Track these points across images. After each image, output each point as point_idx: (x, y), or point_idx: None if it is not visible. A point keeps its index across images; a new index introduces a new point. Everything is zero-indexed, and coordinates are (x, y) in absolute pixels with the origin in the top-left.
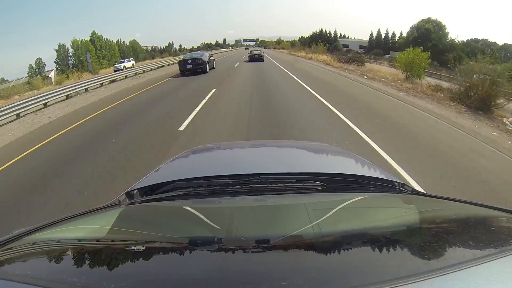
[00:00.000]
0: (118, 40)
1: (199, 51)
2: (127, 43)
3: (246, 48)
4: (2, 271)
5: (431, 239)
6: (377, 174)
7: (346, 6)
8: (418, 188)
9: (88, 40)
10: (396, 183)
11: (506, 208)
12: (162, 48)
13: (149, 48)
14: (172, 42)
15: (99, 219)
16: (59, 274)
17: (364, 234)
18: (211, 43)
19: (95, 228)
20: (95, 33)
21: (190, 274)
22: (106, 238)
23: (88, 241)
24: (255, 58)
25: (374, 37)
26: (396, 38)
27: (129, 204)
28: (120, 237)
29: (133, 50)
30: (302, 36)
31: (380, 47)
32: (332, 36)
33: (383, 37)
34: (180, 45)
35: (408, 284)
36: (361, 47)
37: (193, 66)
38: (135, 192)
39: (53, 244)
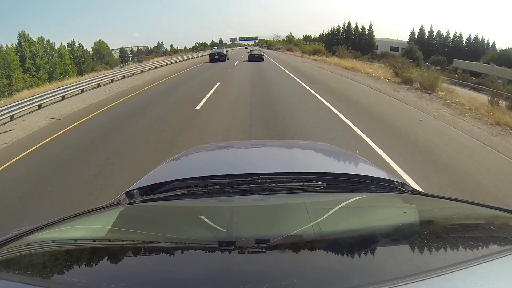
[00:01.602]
0: (70, 43)
1: (220, 48)
2: (90, 46)
3: (245, 48)
4: (2, 271)
5: (431, 239)
6: (377, 174)
7: (348, 4)
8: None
9: (13, 45)
10: (396, 182)
11: (506, 208)
12: (151, 48)
13: (135, 49)
14: (162, 42)
15: (99, 219)
16: (59, 274)
17: (364, 234)
18: (204, 42)
19: (95, 228)
20: (24, 34)
21: (190, 274)
22: (106, 238)
23: (88, 241)
24: (255, 58)
25: (416, 35)
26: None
27: (129, 203)
28: (120, 237)
29: (98, 54)
30: (307, 35)
31: (424, 49)
32: (366, 32)
33: (426, 35)
34: (172, 45)
35: (408, 284)
36: (392, 48)
37: (218, 57)
38: (135, 191)
39: (53, 244)
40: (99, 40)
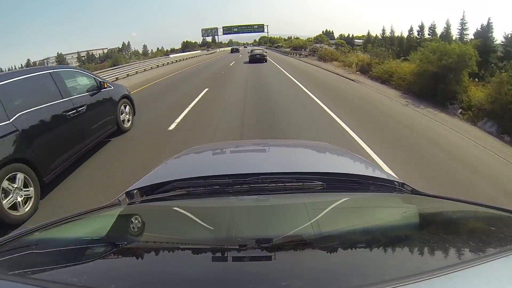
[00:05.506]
0: None
1: (235, 46)
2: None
3: (244, 47)
4: (2, 271)
5: (431, 239)
6: (377, 174)
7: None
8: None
9: None
10: (396, 182)
11: (506, 208)
12: (116, 50)
13: (83, 54)
14: (128, 43)
15: (99, 219)
16: (59, 274)
17: (364, 234)
18: (187, 41)
19: (95, 228)
20: None
21: (189, 274)
22: (106, 238)
23: (88, 241)
24: (257, 59)
25: None
26: None
27: (129, 204)
28: (120, 237)
29: None
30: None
31: None
32: None
33: None
34: (145, 46)
35: (408, 284)
36: None
37: (235, 50)
38: (135, 192)
39: (53, 244)
40: None
